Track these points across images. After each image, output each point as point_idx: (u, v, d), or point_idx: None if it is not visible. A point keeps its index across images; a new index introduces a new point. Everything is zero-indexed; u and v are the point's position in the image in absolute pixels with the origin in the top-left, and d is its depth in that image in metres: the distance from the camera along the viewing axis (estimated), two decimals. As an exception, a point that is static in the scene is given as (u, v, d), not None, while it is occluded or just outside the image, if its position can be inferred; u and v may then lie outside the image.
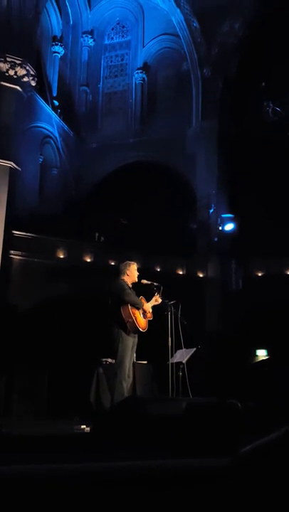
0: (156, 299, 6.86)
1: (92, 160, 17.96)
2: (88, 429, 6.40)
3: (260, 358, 13.16)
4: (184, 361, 7.30)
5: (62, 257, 14.42)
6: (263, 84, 15.81)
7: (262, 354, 13.33)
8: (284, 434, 1.80)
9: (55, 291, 12.95)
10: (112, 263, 13.79)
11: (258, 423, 3.83)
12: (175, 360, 7.27)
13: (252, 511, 1.62)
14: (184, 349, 7.37)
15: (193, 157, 17.26)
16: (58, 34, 18.16)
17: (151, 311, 6.82)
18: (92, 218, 15.07)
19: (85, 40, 19.23)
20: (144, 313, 6.72)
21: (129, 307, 6.47)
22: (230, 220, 15.61)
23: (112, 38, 19.64)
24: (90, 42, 19.26)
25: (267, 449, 1.78)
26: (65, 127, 17.75)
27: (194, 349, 7.52)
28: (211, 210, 16.27)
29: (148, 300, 6.83)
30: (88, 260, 14.71)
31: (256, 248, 14.65)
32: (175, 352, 7.31)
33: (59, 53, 18.24)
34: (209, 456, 1.91)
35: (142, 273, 7.07)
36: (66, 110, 17.87)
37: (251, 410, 4.69)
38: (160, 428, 4.07)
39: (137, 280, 6.90)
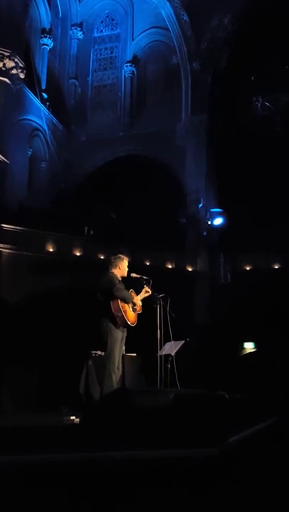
0: (147, 291, 6.90)
1: (82, 153, 17.91)
2: (78, 420, 6.44)
3: (248, 351, 13.27)
4: (172, 353, 7.36)
5: (51, 250, 14.40)
6: (253, 78, 15.87)
7: (249, 347, 13.44)
8: (270, 425, 1.84)
9: (44, 284, 12.94)
10: (102, 257, 13.81)
11: (245, 414, 3.90)
12: (164, 353, 7.33)
13: (239, 499, 1.64)
14: (172, 342, 7.43)
15: (183, 151, 17.28)
16: (47, 26, 18.02)
17: (140, 304, 6.87)
18: (81, 212, 15.06)
19: (74, 33, 19.10)
20: (134, 306, 6.77)
21: (119, 301, 6.51)
22: (219, 214, 15.68)
23: (102, 31, 19.53)
24: (79, 34, 19.14)
25: (253, 440, 1.82)
26: (54, 120, 17.67)
27: (183, 342, 7.58)
28: (200, 205, 16.33)
29: (137, 293, 6.88)
30: (77, 254, 14.70)
31: (244, 242, 14.75)
32: (164, 344, 7.36)
33: (48, 46, 18.11)
34: (197, 447, 1.93)
35: (132, 267, 7.11)
36: (55, 103, 17.78)
37: (238, 401, 4.76)
38: (149, 419, 4.11)
39: (126, 275, 6.94)
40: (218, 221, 15.69)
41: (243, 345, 13.48)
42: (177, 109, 17.65)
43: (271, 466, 1.73)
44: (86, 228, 15.25)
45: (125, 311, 6.53)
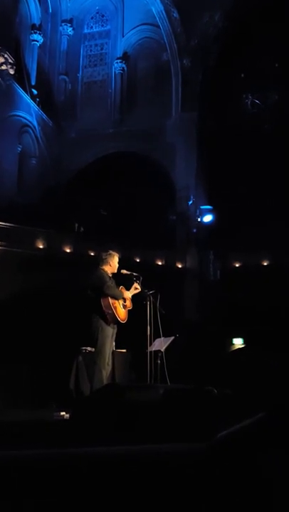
0: (136, 287, 6.94)
1: (72, 149, 17.86)
2: (67, 415, 6.46)
3: (237, 347, 13.36)
4: (162, 349, 7.40)
5: (41, 247, 14.37)
6: (243, 76, 15.91)
7: (238, 342, 13.53)
8: (259, 420, 1.87)
9: (34, 281, 12.92)
10: (92, 253, 13.81)
11: (234, 409, 3.94)
12: (154, 349, 7.36)
13: (227, 495, 1.65)
14: (162, 338, 7.47)
15: (173, 148, 17.30)
16: (37, 22, 17.91)
17: (130, 298, 6.91)
18: (71, 208, 15.04)
19: (64, 29, 19.02)
20: (124, 302, 6.80)
21: (109, 299, 6.54)
22: (208, 211, 15.74)
23: (92, 27, 19.46)
24: (69, 31, 19.06)
25: (242, 435, 1.84)
26: (44, 116, 17.59)
27: (172, 338, 7.62)
28: (190, 202, 16.37)
29: (127, 290, 6.92)
30: (68, 250, 14.69)
31: (234, 239, 14.82)
32: (154, 340, 7.40)
33: (38, 41, 18.01)
34: (186, 441, 1.95)
35: (122, 263, 7.14)
36: (45, 99, 17.70)
37: (227, 396, 4.81)
38: (138, 414, 4.15)
39: (116, 271, 6.97)
40: (207, 218, 15.75)
41: (232, 341, 13.57)
42: (167, 106, 17.65)
43: (258, 460, 1.75)
44: (76, 225, 15.23)
45: (116, 308, 6.57)
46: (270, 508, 1.62)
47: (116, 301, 6.63)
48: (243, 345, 13.29)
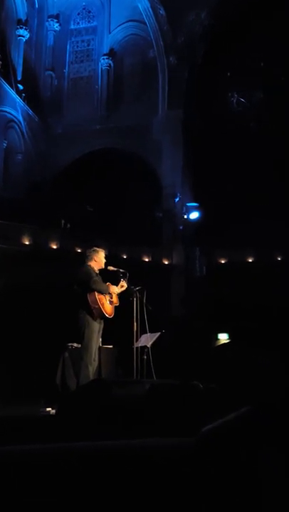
0: (122, 285, 6.98)
1: (58, 145, 17.81)
2: (54, 411, 6.48)
3: (222, 342, 13.47)
4: (148, 345, 7.44)
5: (27, 243, 14.32)
6: (228, 74, 15.98)
7: (223, 338, 13.64)
8: (242, 414, 1.90)
9: (19, 277, 12.87)
10: (78, 250, 13.80)
11: (219, 403, 3.99)
12: (140, 344, 7.41)
13: (213, 488, 1.68)
14: (148, 333, 7.51)
15: (159, 145, 17.32)
16: (23, 17, 17.80)
17: (117, 296, 6.95)
18: (57, 204, 15.00)
19: (50, 25, 18.92)
20: (110, 298, 6.84)
21: (96, 294, 6.57)
22: (195, 208, 15.80)
23: (78, 23, 19.38)
24: (56, 26, 18.97)
25: (227, 429, 1.87)
26: (30, 112, 17.51)
27: (159, 333, 7.67)
28: (177, 199, 16.42)
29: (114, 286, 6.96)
30: (54, 247, 14.66)
31: (219, 236, 14.92)
32: (140, 336, 7.44)
33: (24, 37, 17.90)
34: (172, 436, 1.97)
35: (109, 260, 7.18)
36: (31, 94, 17.61)
37: (213, 391, 4.85)
38: (124, 409, 4.18)
39: (103, 267, 7.00)
40: (194, 215, 15.82)
41: (217, 336, 13.67)
42: (154, 103, 17.66)
43: (242, 453, 1.77)
44: (63, 221, 15.20)
45: (102, 304, 6.61)
46: (259, 501, 1.65)
47: (102, 297, 6.66)
48: (228, 341, 13.41)
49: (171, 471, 1.71)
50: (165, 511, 1.67)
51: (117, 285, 6.99)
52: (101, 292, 6.64)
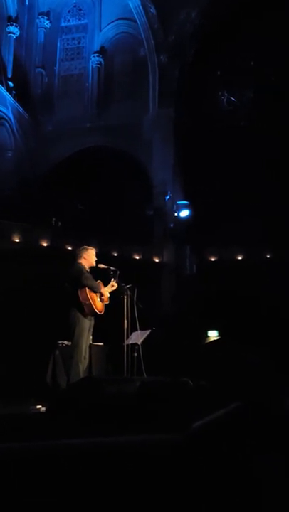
0: (113, 285, 7.02)
1: (48, 143, 17.76)
2: (44, 409, 6.50)
3: (212, 339, 13.55)
4: (139, 343, 7.48)
5: (17, 241, 14.29)
6: (219, 73, 16.03)
7: (213, 335, 13.72)
8: (232, 410, 1.92)
9: (9, 275, 12.83)
10: (69, 248, 13.80)
11: (209, 400, 4.02)
12: (130, 342, 7.44)
13: (204, 484, 1.68)
14: (139, 331, 7.55)
15: (150, 144, 17.33)
16: (14, 14, 17.70)
17: (108, 295, 6.98)
18: (48, 202, 14.98)
19: (41, 22, 18.85)
20: (101, 296, 6.87)
21: (87, 290, 6.60)
22: (185, 206, 15.85)
23: (69, 21, 19.33)
24: (46, 23, 18.91)
25: (216, 424, 1.89)
26: (20, 109, 17.45)
27: (149, 331, 7.71)
28: (167, 197, 16.45)
29: (105, 284, 6.99)
30: (44, 245, 14.64)
31: (210, 234, 14.99)
32: (130, 334, 7.47)
33: (14, 34, 17.81)
34: (162, 432, 1.99)
35: (99, 258, 7.20)
36: (21, 92, 17.54)
37: (203, 388, 4.89)
38: (115, 406, 4.20)
39: (94, 264, 7.03)
40: (184, 213, 15.86)
41: (207, 333, 13.74)
42: (144, 102, 17.67)
43: (232, 449, 1.79)
44: (53, 219, 15.18)
45: (93, 300, 6.64)
46: (250, 495, 1.67)
47: (93, 294, 6.69)
48: (217, 338, 13.49)
49: (161, 467, 1.71)
50: (155, 507, 1.67)
51: (108, 283, 7.03)
52: (92, 289, 6.67)
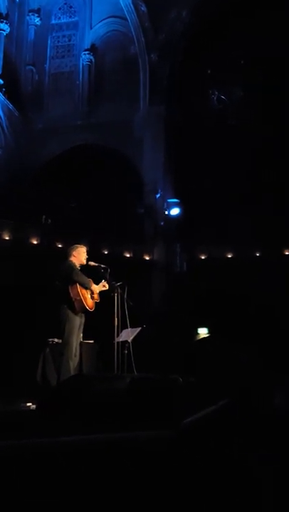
0: (104, 285, 7.07)
1: (39, 141, 17.70)
2: (34, 406, 6.51)
3: (202, 336, 13.62)
4: (129, 340, 7.52)
5: (7, 238, 14.25)
6: (209, 72, 16.07)
7: (203, 332, 13.79)
8: (220, 407, 1.97)
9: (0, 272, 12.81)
10: (59, 245, 13.80)
11: (199, 397, 4.07)
12: (121, 339, 7.48)
13: (194, 478, 1.73)
14: (129, 328, 7.59)
15: (141, 142, 17.33)
16: (4, 11, 17.60)
17: (98, 292, 7.01)
18: (38, 200, 14.94)
19: (31, 19, 18.76)
20: (92, 294, 6.91)
21: (78, 286, 6.63)
22: (175, 204, 15.89)
23: (59, 18, 19.25)
24: (37, 21, 18.81)
25: (206, 421, 1.93)
26: (10, 106, 17.38)
27: (139, 328, 7.75)
28: (158, 195, 16.48)
29: (96, 282, 7.02)
30: (35, 242, 14.62)
31: (200, 232, 15.07)
32: (121, 331, 7.51)
33: (4, 31, 17.70)
34: (152, 429, 2.02)
35: (90, 255, 7.23)
36: (11, 89, 17.47)
37: (192, 385, 4.94)
38: (105, 403, 4.24)
39: (84, 262, 7.06)
40: (174, 211, 15.90)
41: (197, 330, 13.81)
42: (135, 100, 17.66)
43: (220, 443, 1.83)
44: (44, 217, 15.14)
45: (84, 297, 6.67)
46: (239, 489, 1.71)
47: (84, 291, 6.73)
48: (207, 335, 13.56)
49: (152, 463, 1.77)
50: (148, 501, 1.71)
51: (98, 281, 7.07)
52: (83, 285, 6.71)
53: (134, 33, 17.70)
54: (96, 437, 2.05)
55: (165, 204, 16.16)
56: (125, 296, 7.38)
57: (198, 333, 13.76)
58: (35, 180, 16.92)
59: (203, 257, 16.02)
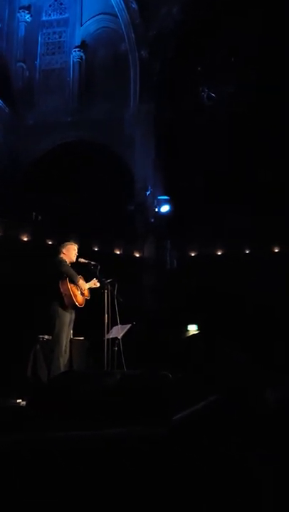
0: (94, 283, 7.11)
1: (29, 137, 17.63)
2: (24, 403, 6.53)
3: (191, 333, 13.69)
4: (119, 337, 7.56)
5: (-3, 235, 14.22)
6: (199, 69, 16.10)
7: (193, 329, 13.86)
8: (210, 403, 2.00)
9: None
10: (50, 242, 13.80)
11: (188, 393, 4.11)
12: (111, 336, 7.51)
13: (185, 474, 1.76)
14: (119, 325, 7.63)
15: (131, 138, 17.32)
16: (-7, 8, 17.59)
17: (87, 288, 7.05)
18: (29, 197, 14.92)
19: (22, 16, 18.65)
20: (82, 291, 6.94)
21: (68, 282, 6.66)
22: (166, 201, 15.93)
23: (50, 15, 19.17)
24: (27, 17, 18.71)
25: (196, 417, 1.97)
26: (0, 103, 17.30)
27: (129, 325, 7.79)
28: (148, 192, 16.50)
29: (87, 280, 7.06)
30: (25, 239, 14.60)
31: (190, 229, 15.12)
32: (111, 328, 7.54)
33: (-6, 27, 17.69)
34: (142, 425, 2.05)
35: (80, 252, 7.26)
36: (2, 86, 17.39)
37: (182, 381, 4.98)
38: (95, 400, 4.26)
39: (74, 260, 7.09)
40: (165, 208, 15.94)
41: (186, 327, 13.88)
42: (126, 97, 17.65)
43: (210, 439, 1.86)
44: (34, 214, 15.12)
45: (74, 294, 6.70)
46: (230, 484, 1.74)
47: (74, 287, 6.76)
48: (197, 332, 13.63)
49: (143, 459, 1.79)
50: (140, 498, 1.73)
51: (89, 277, 7.10)
52: (70, 277, 6.74)
53: (124, 30, 17.68)
54: (86, 434, 2.08)
55: (155, 201, 16.20)
56: (115, 292, 7.42)
57: (188, 330, 13.82)
58: (25, 177, 16.87)
59: (193, 254, 16.08)
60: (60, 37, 19.05)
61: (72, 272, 6.82)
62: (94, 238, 14.84)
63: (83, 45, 18.65)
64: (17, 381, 7.97)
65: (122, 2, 17.35)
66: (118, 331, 7.62)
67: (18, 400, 6.75)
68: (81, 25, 18.73)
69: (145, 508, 1.75)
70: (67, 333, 6.89)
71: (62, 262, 6.83)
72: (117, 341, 7.53)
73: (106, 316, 7.33)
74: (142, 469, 1.77)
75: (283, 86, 15.23)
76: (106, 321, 7.33)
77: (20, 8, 18.62)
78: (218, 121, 15.80)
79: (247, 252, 15.57)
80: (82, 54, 18.61)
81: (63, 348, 6.79)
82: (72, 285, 6.72)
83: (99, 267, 7.25)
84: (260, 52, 15.52)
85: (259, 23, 15.28)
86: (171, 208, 15.80)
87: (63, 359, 6.80)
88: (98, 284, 7.16)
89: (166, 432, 1.91)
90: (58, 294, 6.66)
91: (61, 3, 19.13)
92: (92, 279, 7.12)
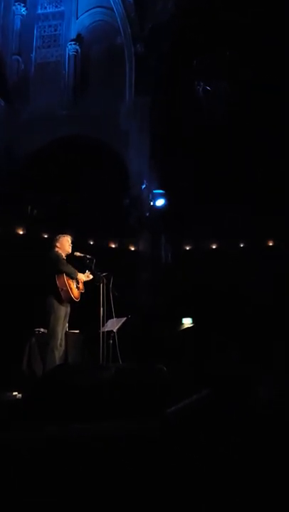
0: (88, 276, 7.15)
1: (24, 131, 17.56)
2: (20, 395, 6.58)
3: (186, 326, 13.76)
4: (114, 330, 7.60)
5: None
6: (194, 63, 16.08)
7: (187, 322, 13.93)
8: (203, 396, 2.05)
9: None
10: (45, 236, 13.81)
11: (183, 386, 4.16)
12: (106, 329, 7.56)
13: (178, 467, 1.81)
14: (114, 318, 7.67)
15: (127, 133, 17.30)
16: (-11, 1, 17.49)
17: (82, 282, 7.09)
18: (24, 191, 14.91)
19: (17, 9, 18.54)
20: (77, 284, 6.98)
21: (65, 276, 6.69)
22: (161, 195, 15.94)
23: (46, 8, 19.06)
24: (23, 10, 18.61)
25: (189, 410, 2.01)
26: (-5, 96, 17.26)
27: (125, 318, 7.84)
28: (143, 186, 16.51)
29: (81, 273, 7.10)
30: (20, 233, 14.61)
31: (185, 223, 15.16)
32: (106, 321, 7.58)
33: (-11, 21, 17.59)
34: (137, 417, 2.09)
35: (75, 246, 7.29)
36: (-3, 79, 17.35)
37: (176, 374, 5.03)
38: (91, 393, 4.30)
39: (70, 251, 7.12)
40: (160, 202, 15.96)
41: (181, 320, 13.95)
42: (121, 91, 17.60)
43: (203, 430, 1.90)
44: (29, 207, 15.12)
45: (70, 287, 6.74)
46: (221, 477, 1.79)
47: (70, 281, 6.79)
48: (191, 325, 13.71)
49: (139, 452, 1.82)
50: (134, 490, 1.77)
51: (84, 271, 7.14)
52: (69, 275, 6.78)
53: (120, 24, 17.61)
54: (82, 427, 2.11)
55: (150, 195, 16.21)
56: (110, 286, 7.46)
57: (182, 323, 13.89)
58: (20, 171, 16.84)
59: (188, 248, 16.14)
60: (55, 30, 18.96)
61: (71, 269, 6.84)
62: (89, 232, 14.86)
63: (79, 39, 18.57)
64: (13, 374, 8.01)
65: (117, -5, 17.30)
66: (113, 324, 7.67)
67: (14, 393, 6.80)
68: (77, 19, 18.64)
69: (140, 501, 1.78)
70: (63, 326, 6.93)
71: (59, 258, 6.83)
72: (112, 334, 7.57)
73: (101, 309, 7.37)
74: (138, 462, 1.81)
75: (283, 83, 15.22)
76: (101, 314, 7.38)
77: (15, 2, 18.51)
78: (214, 116, 15.81)
79: (242, 246, 15.64)
80: (77, 47, 18.53)
81: (58, 341, 6.83)
82: (68, 279, 6.75)
83: (94, 260, 7.29)
84: (258, 48, 15.50)
85: (256, 18, 15.25)
86: (166, 202, 15.82)
87: (58, 352, 6.84)
88: (91, 277, 7.20)
89: (161, 424, 1.95)
90: (53, 288, 6.69)
91: (57, -4, 19.04)
92: (86, 271, 7.16)
